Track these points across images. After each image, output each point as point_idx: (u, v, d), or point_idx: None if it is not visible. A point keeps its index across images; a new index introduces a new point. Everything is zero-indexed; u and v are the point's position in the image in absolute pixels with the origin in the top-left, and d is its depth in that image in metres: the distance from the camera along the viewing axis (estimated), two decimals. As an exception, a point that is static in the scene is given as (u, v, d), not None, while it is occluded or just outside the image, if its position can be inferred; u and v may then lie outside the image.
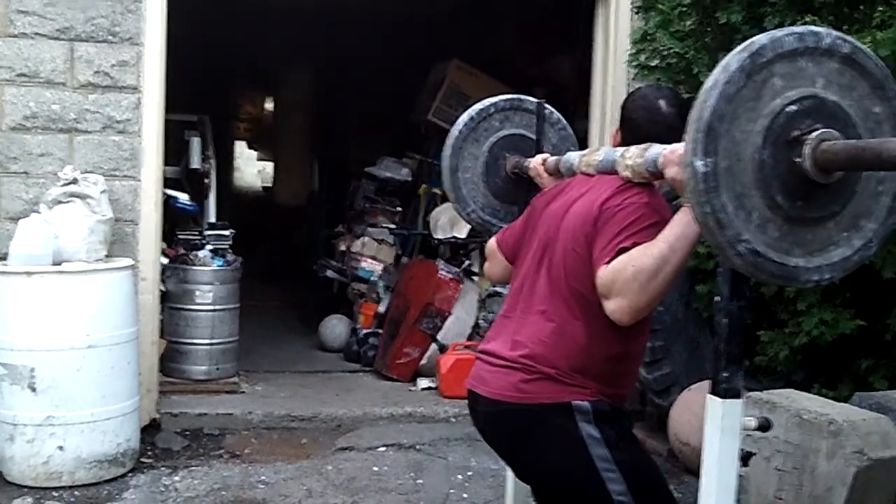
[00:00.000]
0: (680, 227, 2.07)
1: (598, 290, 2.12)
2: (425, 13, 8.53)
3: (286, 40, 9.68)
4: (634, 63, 4.93)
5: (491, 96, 3.15)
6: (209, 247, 6.00)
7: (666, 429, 4.81)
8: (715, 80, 1.65)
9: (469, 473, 4.71)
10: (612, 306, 2.09)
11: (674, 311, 4.90)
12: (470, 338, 6.50)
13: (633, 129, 2.40)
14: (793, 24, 4.00)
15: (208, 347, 5.88)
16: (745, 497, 3.36)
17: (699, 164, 1.63)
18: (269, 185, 13.71)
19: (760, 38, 1.68)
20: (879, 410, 3.27)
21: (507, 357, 2.29)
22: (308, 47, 10.07)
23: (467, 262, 6.89)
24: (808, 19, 3.92)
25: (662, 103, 2.37)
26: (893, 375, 4.10)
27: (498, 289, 6.54)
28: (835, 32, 1.75)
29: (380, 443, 5.10)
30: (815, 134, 1.66)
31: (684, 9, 4.66)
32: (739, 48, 1.68)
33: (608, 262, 2.11)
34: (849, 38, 1.76)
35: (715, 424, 1.93)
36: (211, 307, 5.86)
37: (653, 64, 4.77)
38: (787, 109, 1.68)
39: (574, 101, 6.52)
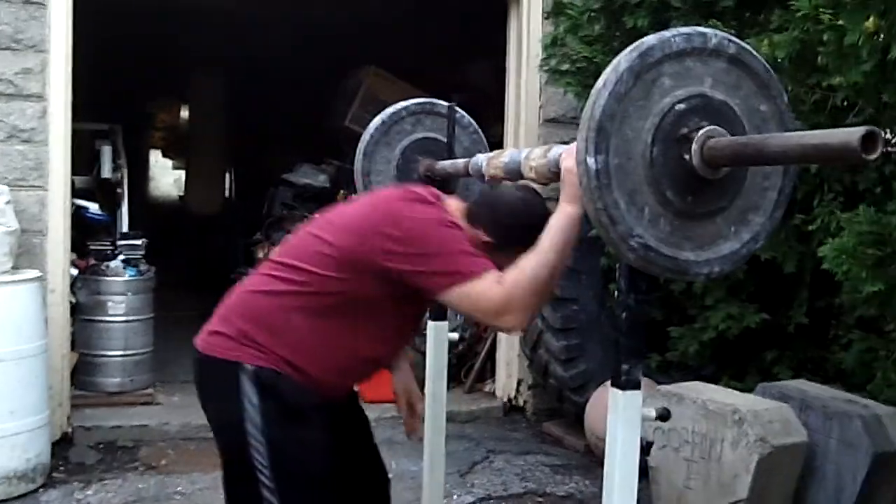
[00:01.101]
0: (562, 233, 2.11)
1: (484, 310, 2.13)
2: (342, 20, 8.52)
3: (201, 47, 9.56)
4: (546, 68, 5.01)
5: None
6: (121, 257, 5.89)
7: (583, 425, 4.90)
8: (605, 79, 1.71)
9: (389, 476, 4.71)
10: (512, 321, 2.13)
11: (589, 310, 4.99)
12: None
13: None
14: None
15: (122, 359, 5.77)
16: (656, 487, 3.46)
17: (591, 161, 1.68)
18: (185, 194, 13.52)
19: (649, 39, 1.74)
20: (781, 399, 3.38)
21: (222, 314, 2.36)
22: (223, 54, 9.96)
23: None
24: (711, 23, 4.04)
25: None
26: (797, 366, 4.26)
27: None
28: (721, 33, 1.82)
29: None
30: (702, 131, 1.72)
31: (593, 14, 4.76)
32: (629, 49, 1.73)
33: (475, 279, 2.12)
34: (735, 38, 1.83)
35: (617, 415, 1.98)
36: (124, 318, 5.74)
37: (563, 69, 4.87)
38: (676, 108, 1.73)
39: (490, 105, 6.59)
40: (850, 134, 1.46)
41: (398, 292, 2.22)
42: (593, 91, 1.72)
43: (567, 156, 2.10)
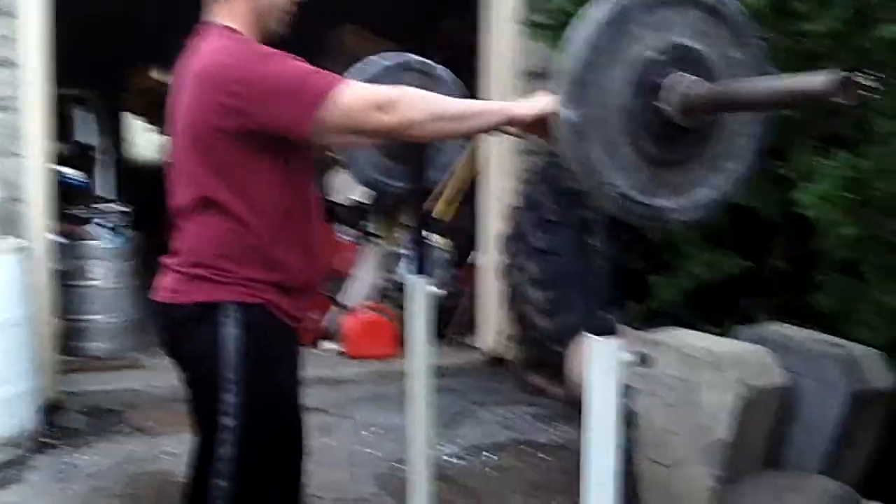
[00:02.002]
0: (482, 113, 2.02)
1: (360, 107, 1.97)
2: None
3: (178, 8, 9.42)
4: (521, 20, 4.99)
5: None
6: (103, 222, 5.88)
7: (564, 376, 4.96)
8: (582, 30, 1.72)
9: (374, 429, 4.79)
10: (390, 118, 1.97)
11: (567, 261, 5.03)
12: (373, 300, 6.55)
13: None
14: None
15: (107, 324, 5.79)
16: (637, 431, 3.52)
17: (569, 113, 1.70)
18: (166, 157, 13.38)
19: (624, -11, 1.75)
20: (759, 342, 3.43)
21: (168, 263, 2.26)
22: (198, 14, 9.82)
23: (366, 224, 6.91)
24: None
25: None
26: (776, 310, 4.31)
27: (399, 250, 6.60)
28: (694, -18, 1.83)
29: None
30: (677, 80, 1.74)
31: (571, -34, 4.73)
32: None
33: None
34: (709, -13, 1.84)
35: (595, 362, 2.00)
36: (108, 283, 5.75)
37: (539, 21, 4.84)
38: (651, 57, 1.75)
39: (467, 59, 6.57)
40: (829, 78, 1.48)
41: (267, 148, 2.08)
42: (569, 42, 1.73)
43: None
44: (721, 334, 3.80)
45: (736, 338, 3.58)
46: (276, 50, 2.08)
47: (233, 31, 2.18)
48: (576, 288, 5.02)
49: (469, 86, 5.58)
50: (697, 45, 1.81)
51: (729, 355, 3.24)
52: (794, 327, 3.67)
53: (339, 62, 7.92)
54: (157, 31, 10.71)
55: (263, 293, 2.16)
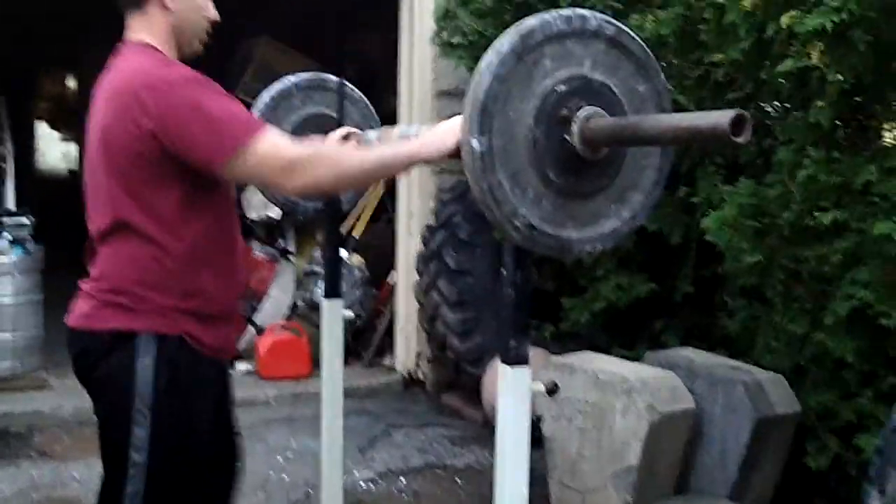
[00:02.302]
0: (397, 159, 2.00)
1: (266, 171, 1.95)
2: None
3: (93, 17, 9.23)
4: (438, 41, 5.01)
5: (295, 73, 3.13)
6: (7, 235, 5.69)
7: (480, 397, 4.97)
8: (488, 61, 1.72)
9: (289, 454, 4.72)
10: (299, 181, 1.95)
11: (485, 283, 5.05)
12: (287, 318, 6.48)
13: None
14: (584, 3, 4.18)
15: (11, 342, 5.60)
16: (551, 456, 3.54)
17: (475, 142, 1.70)
18: (76, 168, 13.09)
19: (530, 21, 1.77)
20: (668, 367, 3.49)
21: (84, 290, 2.16)
22: (113, 23, 9.63)
23: (282, 242, 6.84)
24: (599, -1, 4.11)
25: None
26: (684, 333, 4.40)
27: (316, 268, 6.54)
28: (601, 15, 1.85)
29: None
30: (582, 113, 1.76)
31: (484, -12, 4.78)
32: (510, 30, 1.75)
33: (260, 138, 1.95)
34: (613, 20, 1.87)
35: (506, 390, 2.01)
36: (11, 299, 5.57)
37: (455, 42, 4.87)
38: (557, 89, 1.77)
39: (383, 77, 6.57)
40: (721, 117, 1.51)
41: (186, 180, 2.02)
42: (476, 72, 1.74)
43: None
44: (632, 358, 3.85)
45: (646, 362, 3.63)
46: (203, 78, 2.04)
47: (153, 49, 2.13)
48: (491, 309, 5.04)
49: (383, 102, 5.59)
50: (602, 78, 1.83)
51: (639, 381, 3.28)
52: (703, 352, 3.74)
53: (253, 73, 7.89)
54: (71, 38, 10.52)
55: (181, 323, 2.09)
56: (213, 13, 2.25)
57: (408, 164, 2.01)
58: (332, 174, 1.96)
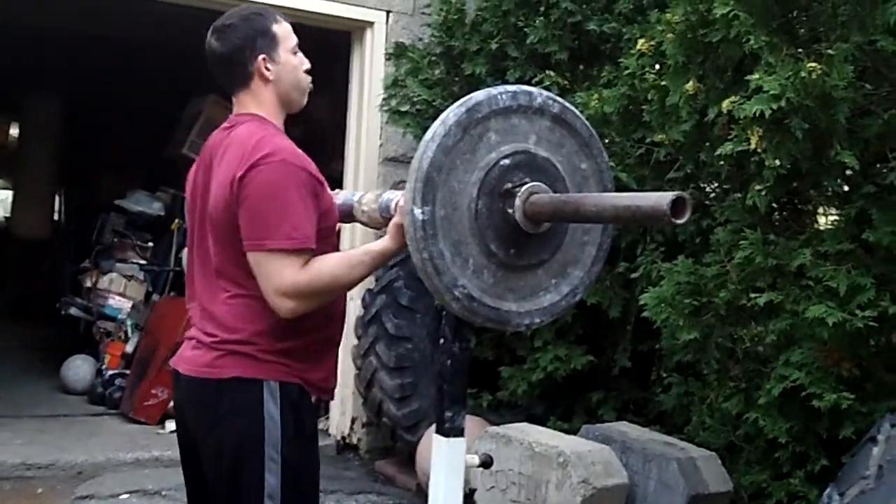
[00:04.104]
0: (374, 260, 2.10)
1: (272, 285, 2.04)
2: (183, 46, 8.34)
3: (32, 63, 9.14)
4: (386, 108, 5.06)
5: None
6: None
7: (415, 464, 4.91)
8: (434, 132, 1.74)
9: None
10: (289, 308, 2.04)
11: (422, 349, 5.02)
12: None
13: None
14: (532, 78, 4.26)
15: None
16: (483, 529, 3.50)
17: (417, 212, 1.70)
18: (9, 215, 12.84)
19: (477, 95, 1.79)
20: (604, 441, 3.49)
21: (203, 339, 2.19)
22: (57, 72, 9.55)
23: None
24: (546, 75, 4.19)
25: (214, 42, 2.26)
26: (621, 407, 4.42)
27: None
28: (546, 93, 1.89)
29: (123, 490, 4.85)
30: (525, 187, 1.78)
31: (433, 58, 4.85)
32: (458, 103, 1.77)
33: (288, 254, 2.04)
34: (558, 98, 1.91)
35: (440, 462, 1.99)
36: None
37: (403, 109, 4.92)
38: (501, 163, 1.79)
39: (330, 139, 6.59)
40: (661, 199, 1.54)
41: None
42: (422, 142, 1.75)
43: (400, 211, 2.11)
44: (569, 429, 3.85)
45: (582, 435, 3.62)
46: (300, 165, 2.10)
47: (264, 120, 2.22)
48: (429, 375, 5.01)
49: (330, 165, 5.60)
50: (546, 154, 1.85)
51: (575, 454, 3.27)
52: (638, 427, 3.75)
53: (199, 130, 7.86)
54: (14, 85, 10.41)
55: (298, 370, 2.16)
56: (306, 63, 2.32)
57: (386, 259, 2.09)
58: (318, 294, 2.06)
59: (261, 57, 2.19)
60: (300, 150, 2.15)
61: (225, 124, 2.28)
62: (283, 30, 2.25)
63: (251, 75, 2.21)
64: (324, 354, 2.26)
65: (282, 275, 2.03)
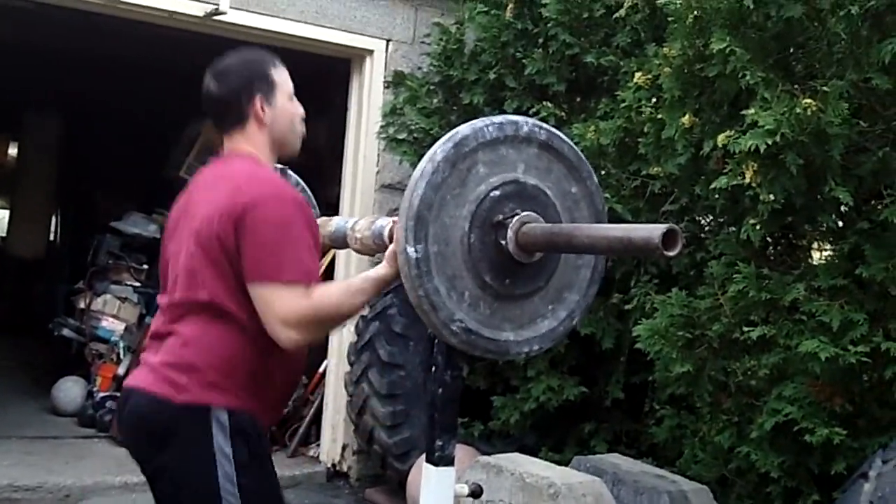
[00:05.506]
0: (374, 286, 2.09)
1: (275, 317, 2.06)
2: (183, 70, 8.39)
3: (32, 84, 9.18)
4: (384, 136, 5.08)
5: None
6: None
7: (405, 492, 4.88)
8: (423, 169, 1.75)
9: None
10: (294, 339, 2.06)
11: (414, 376, 5.01)
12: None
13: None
14: (529, 109, 4.29)
15: None
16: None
17: (410, 250, 1.71)
18: (5, 234, 12.84)
19: (463, 129, 1.80)
20: (595, 473, 3.47)
21: (152, 362, 2.20)
22: (57, 93, 9.60)
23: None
24: (543, 106, 4.22)
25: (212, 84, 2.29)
26: (613, 438, 4.40)
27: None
28: (532, 120, 1.90)
29: (110, 513, 4.84)
30: (517, 217, 1.78)
31: (432, 87, 4.89)
32: (444, 138, 1.78)
33: (289, 284, 2.06)
34: (545, 125, 1.92)
35: (429, 491, 1.98)
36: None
37: (401, 137, 4.94)
38: (492, 195, 1.80)
39: (327, 166, 6.60)
40: (653, 231, 1.54)
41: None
42: (411, 180, 1.76)
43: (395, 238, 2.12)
44: (560, 460, 3.83)
45: (573, 467, 3.61)
46: (299, 214, 2.13)
47: (257, 159, 2.25)
48: (421, 403, 4.99)
49: (326, 191, 5.60)
50: (535, 181, 1.86)
51: (566, 486, 3.25)
52: (630, 459, 3.73)
53: (196, 153, 7.88)
54: (13, 104, 10.45)
55: (249, 402, 2.16)
56: (301, 111, 2.36)
57: (386, 284, 2.08)
58: (322, 324, 2.11)
59: (258, 100, 2.23)
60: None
61: (219, 158, 2.31)
62: (281, 76, 2.29)
63: (247, 117, 2.25)
64: (270, 408, 2.27)
65: (287, 306, 2.05)
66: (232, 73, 2.25)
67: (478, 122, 1.79)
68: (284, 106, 2.28)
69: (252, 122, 2.25)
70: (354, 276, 5.83)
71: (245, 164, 2.22)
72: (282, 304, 2.05)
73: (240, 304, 2.12)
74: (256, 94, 2.23)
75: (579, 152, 1.92)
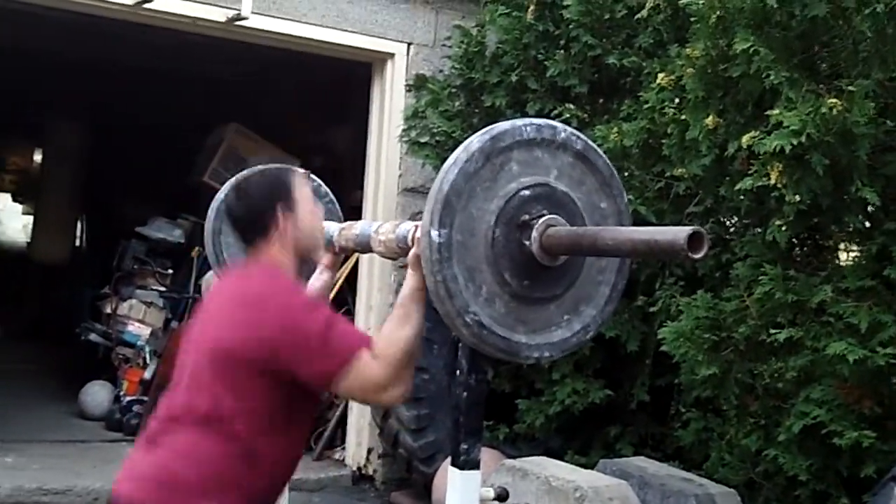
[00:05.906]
0: (416, 297, 2.08)
1: (369, 390, 2.07)
2: (206, 76, 8.43)
3: (57, 91, 9.27)
4: (406, 139, 5.08)
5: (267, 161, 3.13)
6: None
7: (430, 496, 4.87)
8: (456, 157, 1.75)
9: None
10: (396, 395, 2.06)
11: (439, 379, 5.01)
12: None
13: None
14: (552, 111, 4.28)
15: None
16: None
17: (434, 234, 1.71)
18: (32, 240, 12.95)
19: (502, 125, 1.80)
20: (621, 476, 3.45)
21: (142, 467, 2.20)
22: (81, 100, 9.68)
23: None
24: (565, 108, 4.21)
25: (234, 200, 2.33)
26: (638, 441, 4.38)
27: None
28: (569, 129, 1.89)
29: (137, 517, 4.85)
30: (543, 219, 1.77)
31: (453, 90, 4.89)
32: (482, 131, 1.78)
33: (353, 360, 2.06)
34: (582, 135, 1.91)
35: (455, 494, 1.98)
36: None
37: (423, 140, 4.94)
38: (521, 193, 1.79)
39: (350, 170, 6.62)
40: (678, 233, 1.53)
41: (286, 390, 2.12)
42: (444, 166, 1.76)
43: (416, 241, 2.11)
44: (586, 463, 3.82)
45: (599, 470, 3.59)
46: (313, 302, 2.18)
47: (278, 270, 2.26)
48: (446, 407, 4.99)
49: (349, 195, 5.61)
50: (566, 189, 1.85)
51: (592, 489, 3.23)
52: (656, 462, 3.71)
53: (220, 158, 7.90)
54: (36, 113, 10.54)
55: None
56: (321, 215, 2.41)
57: (420, 297, 2.07)
58: (405, 364, 2.06)
59: (280, 217, 2.24)
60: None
61: (238, 270, 2.36)
62: (302, 192, 2.30)
63: (269, 231, 2.26)
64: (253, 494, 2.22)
65: (368, 377, 2.04)
66: (254, 190, 2.28)
67: (518, 121, 1.79)
68: (305, 219, 2.29)
69: (274, 234, 2.27)
70: (378, 301, 5.79)
71: (263, 279, 2.23)
72: (364, 380, 2.03)
73: (246, 420, 2.11)
74: (279, 211, 2.25)
75: (612, 168, 1.91)
